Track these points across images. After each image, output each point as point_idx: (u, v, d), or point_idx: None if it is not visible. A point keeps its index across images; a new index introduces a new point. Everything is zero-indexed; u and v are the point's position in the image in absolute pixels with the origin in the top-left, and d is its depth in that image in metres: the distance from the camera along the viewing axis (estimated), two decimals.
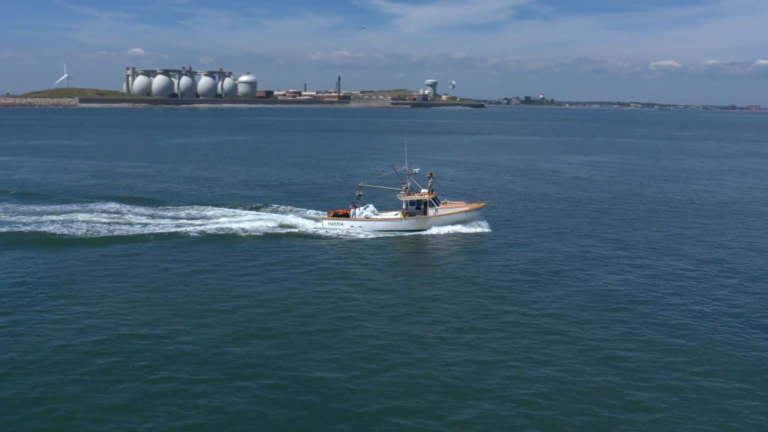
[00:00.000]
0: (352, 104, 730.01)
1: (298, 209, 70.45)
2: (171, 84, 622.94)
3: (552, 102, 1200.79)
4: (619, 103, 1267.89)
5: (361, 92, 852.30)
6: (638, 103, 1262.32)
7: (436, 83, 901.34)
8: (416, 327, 36.89)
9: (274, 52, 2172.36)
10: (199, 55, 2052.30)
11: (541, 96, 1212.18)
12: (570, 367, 31.86)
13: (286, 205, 73.05)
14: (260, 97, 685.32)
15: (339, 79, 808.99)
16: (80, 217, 64.57)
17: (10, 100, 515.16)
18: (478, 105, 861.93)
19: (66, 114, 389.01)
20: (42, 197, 77.69)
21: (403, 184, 63.84)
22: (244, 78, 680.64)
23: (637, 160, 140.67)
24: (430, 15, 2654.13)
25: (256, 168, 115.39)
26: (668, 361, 32.79)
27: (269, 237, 58.46)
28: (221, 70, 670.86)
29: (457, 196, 79.35)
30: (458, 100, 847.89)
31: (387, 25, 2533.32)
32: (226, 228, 60.77)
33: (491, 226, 62.76)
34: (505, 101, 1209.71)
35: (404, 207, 62.70)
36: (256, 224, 62.28)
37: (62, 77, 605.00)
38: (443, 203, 63.41)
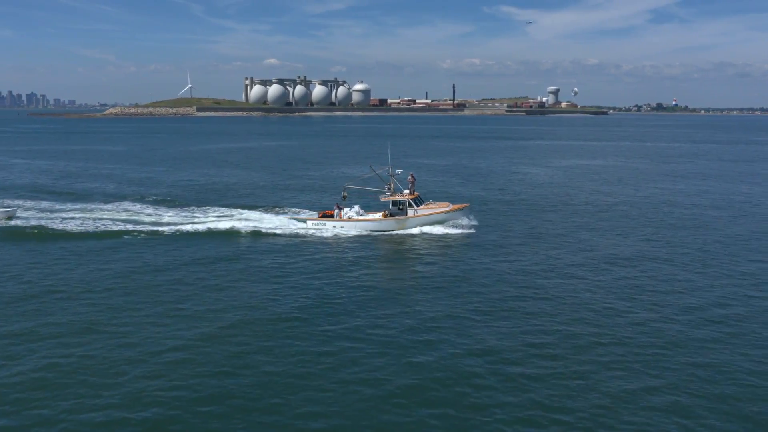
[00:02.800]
0: (467, 112, 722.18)
1: (294, 210, 71.96)
2: (286, 93, 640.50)
3: (686, 108, 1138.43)
4: (761, 109, 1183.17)
5: (481, 100, 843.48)
6: None
7: (558, 90, 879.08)
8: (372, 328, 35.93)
9: (405, 60, 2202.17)
10: (332, 65, 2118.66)
11: (673, 102, 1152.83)
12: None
13: (285, 206, 74.75)
14: (374, 105, 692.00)
15: (454, 87, 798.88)
16: (79, 214, 68.35)
17: (133, 110, 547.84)
18: (600, 112, 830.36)
19: (173, 122, 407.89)
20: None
21: (386, 185, 64.87)
22: (357, 86, 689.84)
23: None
24: (563, 21, 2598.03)
25: (282, 171, 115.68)
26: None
27: (252, 236, 59.34)
28: (335, 79, 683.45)
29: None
30: (579, 107, 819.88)
31: (518, 32, 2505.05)
32: (212, 228, 61.95)
33: (474, 227, 62.46)
34: (636, 108, 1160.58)
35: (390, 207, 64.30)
36: (243, 224, 63.59)
37: (186, 87, 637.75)
38: (427, 204, 63.99)
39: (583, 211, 74.94)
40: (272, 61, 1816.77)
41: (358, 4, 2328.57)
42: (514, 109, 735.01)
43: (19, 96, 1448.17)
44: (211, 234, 59.82)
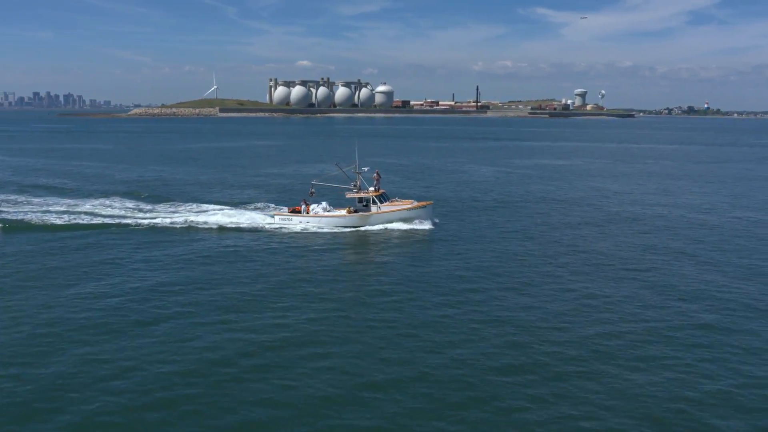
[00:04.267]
0: (489, 114, 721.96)
1: (267, 206, 75.33)
2: (308, 94, 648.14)
3: (718, 112, 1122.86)
4: None
5: (508, 102, 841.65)
6: None
7: (585, 92, 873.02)
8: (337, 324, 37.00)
9: (437, 62, 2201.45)
10: (364, 67, 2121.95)
11: (705, 105, 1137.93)
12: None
13: (258, 201, 78.44)
14: (396, 106, 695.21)
15: (477, 89, 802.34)
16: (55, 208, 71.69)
17: (157, 110, 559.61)
18: (627, 115, 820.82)
19: (189, 123, 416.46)
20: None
21: (352, 182, 67.42)
22: (380, 88, 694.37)
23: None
24: (599, 23, 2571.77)
25: (261, 169, 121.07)
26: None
27: (221, 231, 62.56)
28: (359, 80, 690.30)
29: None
30: (605, 109, 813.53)
31: (553, 34, 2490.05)
32: (181, 222, 65.22)
33: (435, 224, 64.97)
34: (666, 111, 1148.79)
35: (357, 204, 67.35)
36: (213, 218, 67.00)
37: (212, 88, 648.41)
38: (392, 201, 66.67)
39: (536, 207, 79.06)
40: (304, 62, 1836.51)
41: (391, 6, 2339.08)
42: (538, 111, 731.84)
43: (57, 96, 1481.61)
44: (182, 228, 62.74)
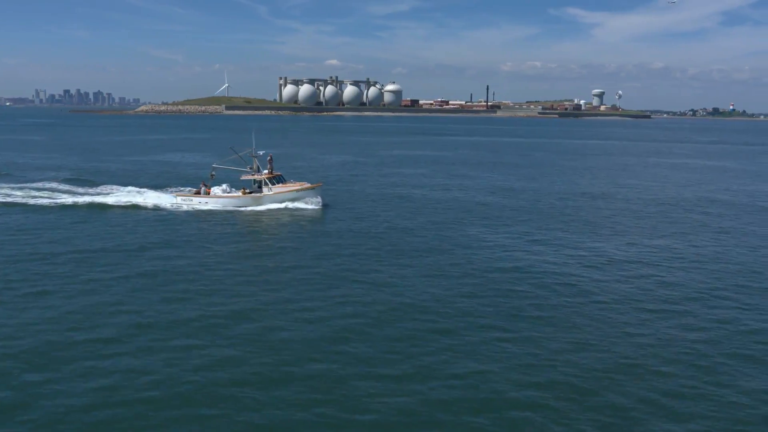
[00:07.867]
0: (499, 114, 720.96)
1: (175, 188, 79.95)
2: (316, 93, 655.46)
3: (743, 113, 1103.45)
4: None
5: (526, 102, 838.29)
6: None
7: (603, 93, 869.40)
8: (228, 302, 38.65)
9: (468, 62, 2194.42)
10: (393, 66, 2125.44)
11: (731, 107, 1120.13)
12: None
13: (169, 185, 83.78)
14: (405, 105, 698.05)
15: (488, 88, 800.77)
16: None
17: (163, 107, 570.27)
18: (642, 116, 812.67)
19: (181, 119, 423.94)
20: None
21: (249, 166, 73.36)
22: (389, 87, 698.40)
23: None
24: (631, 23, 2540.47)
25: (185, 157, 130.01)
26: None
27: (125, 209, 67.60)
28: (368, 79, 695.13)
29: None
30: (620, 110, 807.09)
31: (584, 35, 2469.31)
32: (91, 201, 70.33)
33: (324, 204, 70.46)
34: (690, 113, 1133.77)
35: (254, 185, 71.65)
36: (122, 198, 72.11)
37: (223, 86, 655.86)
38: (287, 183, 71.79)
39: (411, 191, 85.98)
40: (333, 62, 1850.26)
41: (422, 6, 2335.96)
42: (548, 111, 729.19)
43: (86, 94, 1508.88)
44: (90, 207, 67.63)
